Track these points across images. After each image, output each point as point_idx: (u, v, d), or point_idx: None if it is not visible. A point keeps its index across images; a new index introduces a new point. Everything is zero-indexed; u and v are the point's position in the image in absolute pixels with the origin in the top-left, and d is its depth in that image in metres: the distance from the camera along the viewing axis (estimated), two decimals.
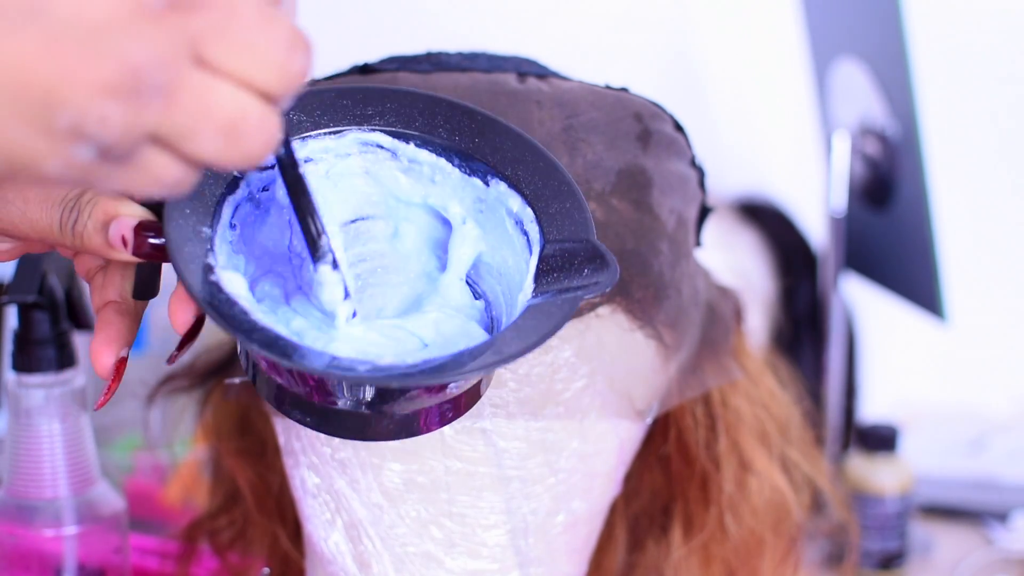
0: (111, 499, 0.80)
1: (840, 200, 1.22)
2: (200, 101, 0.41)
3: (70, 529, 0.77)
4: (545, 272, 0.53)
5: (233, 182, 0.54)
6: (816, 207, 1.38)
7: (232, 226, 0.54)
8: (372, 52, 0.70)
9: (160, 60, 0.39)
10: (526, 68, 0.67)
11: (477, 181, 0.55)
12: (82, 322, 0.80)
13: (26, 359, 0.77)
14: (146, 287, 0.55)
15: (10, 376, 0.78)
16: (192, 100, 0.41)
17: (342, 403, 0.52)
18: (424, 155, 0.56)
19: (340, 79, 0.66)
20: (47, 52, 0.38)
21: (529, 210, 0.54)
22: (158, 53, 0.39)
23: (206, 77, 0.41)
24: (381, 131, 0.56)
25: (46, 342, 0.77)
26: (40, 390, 0.77)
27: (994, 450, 1.42)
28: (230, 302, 0.49)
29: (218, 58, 0.41)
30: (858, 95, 1.24)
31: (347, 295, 0.51)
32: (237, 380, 0.70)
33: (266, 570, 0.79)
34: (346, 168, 0.56)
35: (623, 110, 0.66)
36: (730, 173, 1.54)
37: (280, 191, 0.55)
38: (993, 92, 1.61)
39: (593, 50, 1.63)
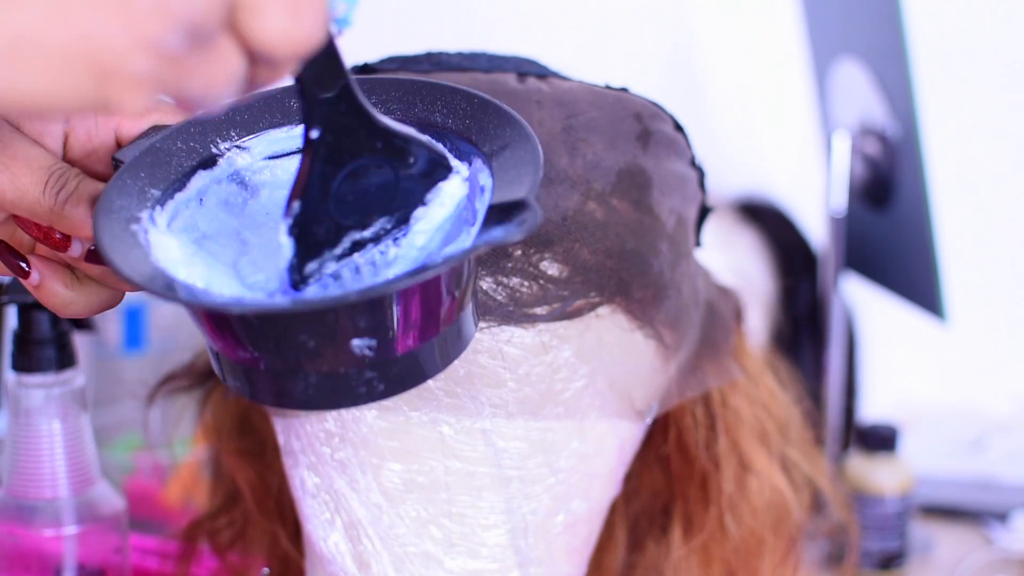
0: (111, 499, 0.80)
1: (840, 200, 1.22)
2: None
3: (70, 529, 0.77)
4: (482, 232, 0.52)
5: (211, 159, 0.55)
6: (816, 207, 1.38)
7: (200, 201, 0.55)
8: (372, 52, 0.70)
9: None
10: (526, 68, 0.67)
11: (464, 164, 0.56)
12: (82, 322, 0.80)
13: (26, 359, 0.77)
14: None
15: (10, 376, 0.78)
16: None
17: (243, 354, 0.51)
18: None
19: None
20: None
21: (491, 180, 0.54)
22: None
23: None
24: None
25: (46, 342, 0.77)
26: (40, 390, 0.77)
27: (994, 450, 1.42)
28: (135, 245, 0.50)
29: None
30: (858, 95, 1.24)
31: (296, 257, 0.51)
32: None
33: (266, 570, 0.79)
34: None
35: (623, 110, 0.66)
36: (730, 173, 1.54)
37: (278, 170, 0.56)
38: (993, 92, 1.61)
39: (593, 50, 1.63)
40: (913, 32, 1.14)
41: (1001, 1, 1.61)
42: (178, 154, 0.55)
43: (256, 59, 0.42)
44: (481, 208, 0.53)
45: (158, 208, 0.53)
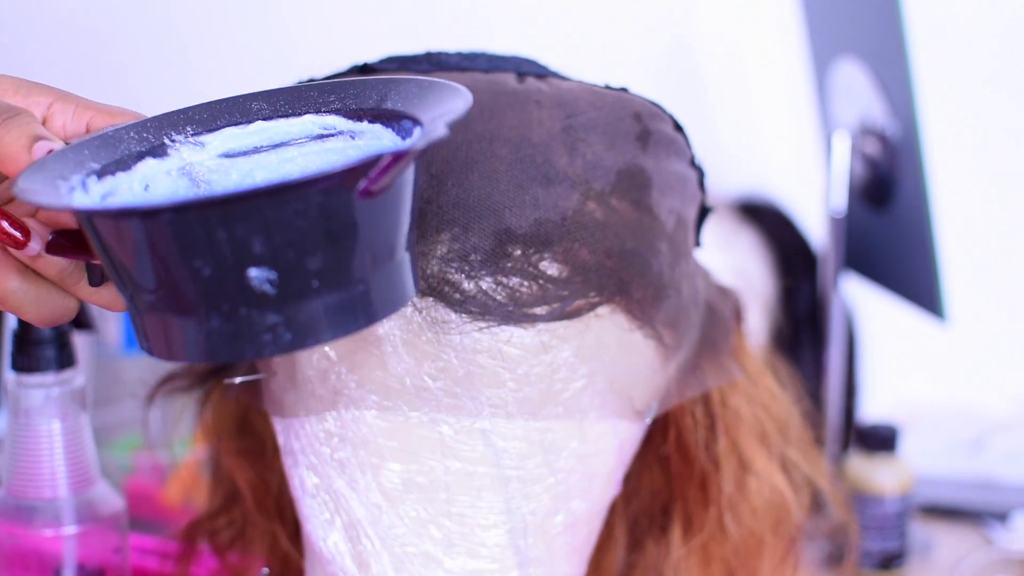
0: (111, 499, 0.80)
1: (840, 200, 1.22)
2: None
3: (70, 529, 0.77)
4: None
5: (161, 149, 0.55)
6: (816, 207, 1.38)
7: (146, 187, 0.54)
8: (372, 52, 0.70)
9: None
10: (525, 68, 0.67)
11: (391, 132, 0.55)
12: (82, 322, 0.80)
13: (26, 359, 0.77)
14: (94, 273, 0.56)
15: (10, 376, 0.78)
16: None
17: (147, 291, 0.49)
18: (374, 128, 0.56)
19: (340, 78, 0.66)
20: None
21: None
22: None
23: None
24: (335, 113, 0.56)
25: (46, 342, 0.77)
26: (40, 390, 0.77)
27: (994, 450, 1.42)
28: (53, 191, 0.50)
29: None
30: (858, 95, 1.24)
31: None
32: (237, 380, 0.70)
33: (265, 570, 0.79)
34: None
35: (623, 110, 0.66)
36: (730, 173, 1.54)
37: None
38: (993, 92, 1.61)
39: (593, 50, 1.63)
40: (913, 32, 1.14)
41: (1001, 1, 1.61)
42: (128, 141, 0.55)
43: None
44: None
45: (93, 178, 0.53)
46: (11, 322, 0.78)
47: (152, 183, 0.54)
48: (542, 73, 0.67)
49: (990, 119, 1.61)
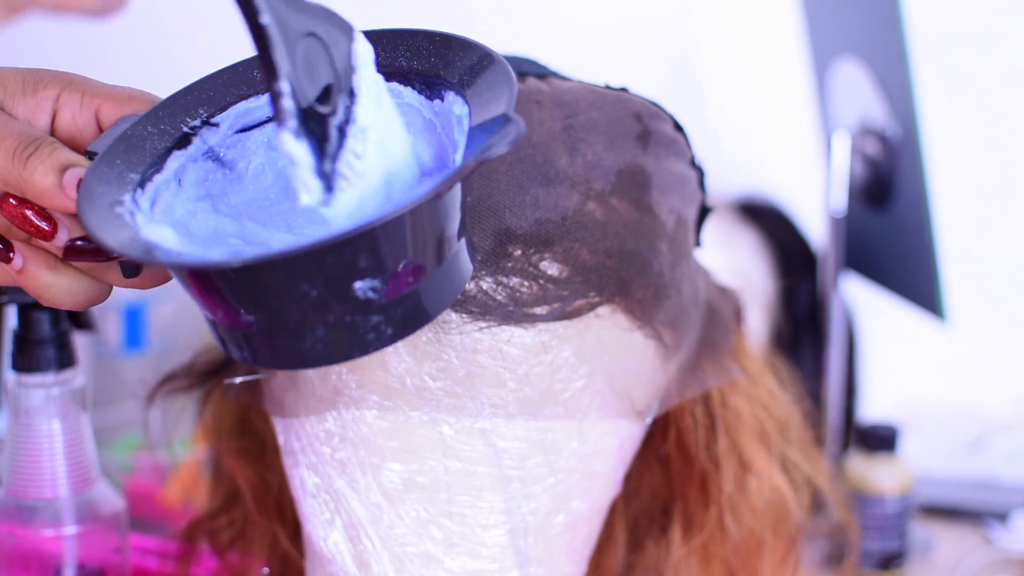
0: (111, 499, 0.80)
1: (840, 200, 1.22)
2: None
3: (70, 529, 0.77)
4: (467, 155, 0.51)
5: (184, 138, 0.55)
6: (816, 207, 1.38)
7: (179, 181, 0.55)
8: None
9: None
10: (526, 68, 0.67)
11: (437, 103, 0.55)
12: (82, 322, 0.80)
13: (26, 359, 0.77)
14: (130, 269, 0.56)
15: (10, 376, 0.78)
16: None
17: (244, 317, 0.50)
18: (391, 85, 0.56)
19: None
20: None
21: (467, 107, 0.53)
22: None
23: None
24: None
25: (46, 342, 0.77)
26: (40, 390, 0.77)
27: (994, 450, 1.42)
28: (123, 225, 0.50)
29: None
30: (858, 95, 1.24)
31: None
32: (237, 380, 0.70)
33: (266, 570, 0.79)
34: None
35: (623, 110, 0.66)
36: (730, 173, 1.54)
37: (250, 142, 0.56)
38: (993, 92, 1.61)
39: (593, 50, 1.63)
40: (913, 32, 1.14)
41: (1001, 1, 1.61)
42: (150, 138, 0.55)
43: None
44: (461, 138, 0.52)
45: (139, 191, 0.53)
46: (11, 322, 0.78)
47: (183, 176, 0.55)
48: (542, 73, 0.67)
49: (990, 119, 1.61)
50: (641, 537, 0.76)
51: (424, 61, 0.56)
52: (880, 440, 1.15)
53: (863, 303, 1.46)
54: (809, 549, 1.06)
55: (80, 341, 0.81)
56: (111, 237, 0.49)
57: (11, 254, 0.54)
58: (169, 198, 0.55)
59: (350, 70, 0.52)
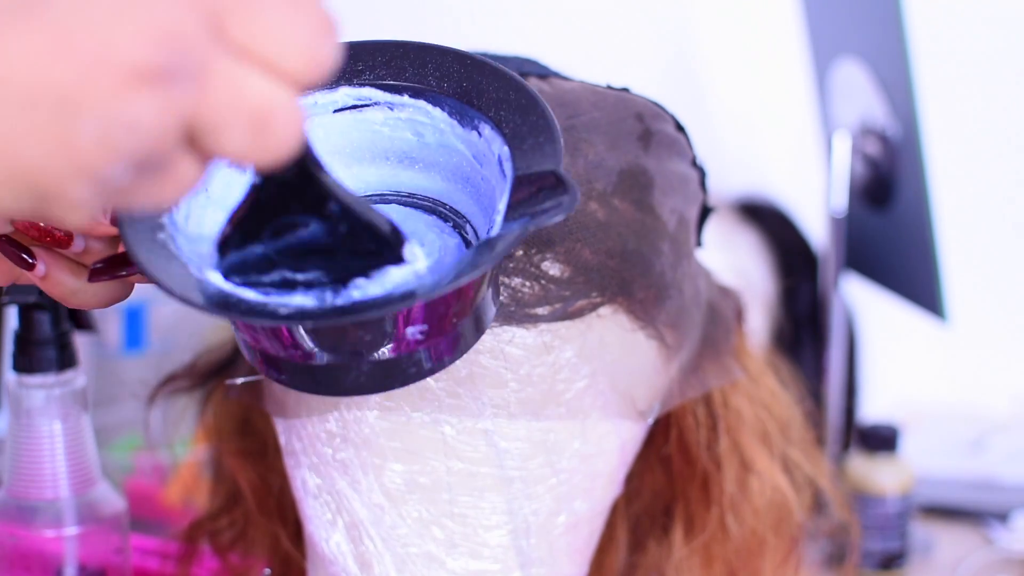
0: (112, 500, 0.79)
1: (840, 200, 1.22)
2: (231, 86, 0.35)
3: (71, 530, 0.77)
4: (514, 206, 0.50)
5: None
6: (816, 207, 1.38)
7: (206, 190, 0.53)
8: None
9: (189, 34, 0.34)
10: (527, 68, 0.67)
11: (473, 134, 0.54)
12: (82, 322, 0.80)
13: (27, 360, 0.77)
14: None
15: (11, 377, 0.78)
16: (223, 85, 0.35)
17: (294, 353, 0.51)
18: (419, 104, 0.55)
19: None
20: (57, 44, 0.32)
21: (507, 148, 0.52)
22: (185, 26, 0.34)
23: (232, 60, 0.35)
24: (371, 85, 0.55)
25: (47, 343, 0.77)
26: (41, 391, 0.77)
27: (994, 450, 1.42)
28: (171, 257, 0.48)
29: (244, 37, 0.36)
30: (858, 95, 1.24)
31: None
32: (238, 380, 0.70)
33: (267, 571, 0.79)
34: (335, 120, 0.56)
35: (624, 110, 0.66)
36: (730, 173, 1.54)
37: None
38: (993, 92, 1.61)
39: (594, 50, 1.63)
40: (913, 32, 1.14)
41: (1001, 1, 1.61)
42: None
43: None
44: (502, 184, 0.52)
45: (173, 208, 0.52)
46: (12, 322, 0.78)
47: (212, 180, 0.53)
48: (544, 73, 0.67)
49: (990, 119, 1.61)
50: (643, 537, 0.76)
51: (455, 84, 0.54)
52: (881, 440, 1.15)
53: (863, 303, 1.46)
54: (810, 549, 1.06)
55: (80, 341, 0.81)
56: (169, 278, 0.47)
57: (33, 260, 0.54)
58: (199, 209, 0.52)
59: (357, 272, 0.50)
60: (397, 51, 0.55)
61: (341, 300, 0.48)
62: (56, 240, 0.53)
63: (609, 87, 0.67)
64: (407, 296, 0.48)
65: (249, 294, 0.48)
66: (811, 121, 1.43)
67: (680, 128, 0.69)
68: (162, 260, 0.49)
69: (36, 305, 0.76)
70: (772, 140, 1.68)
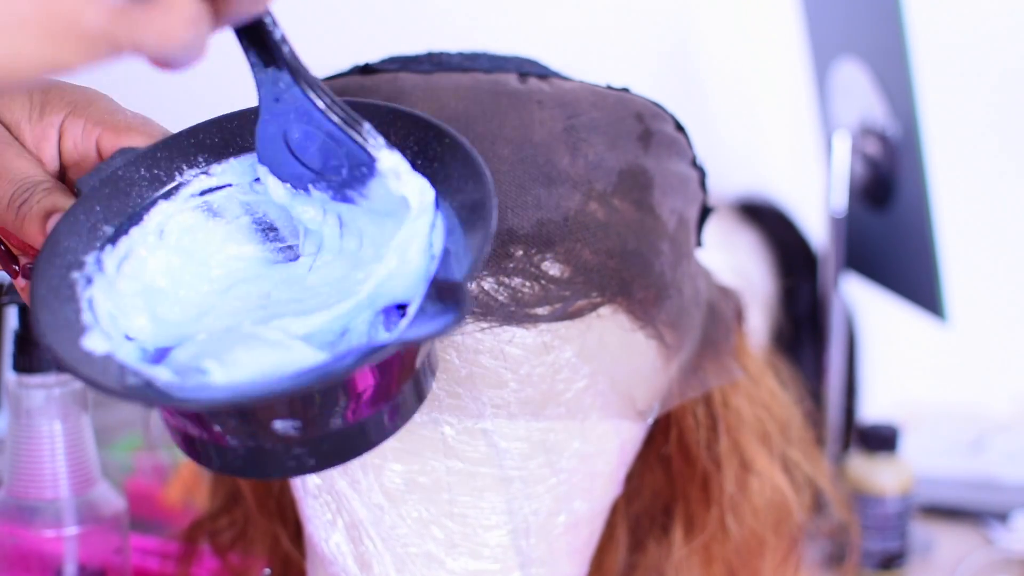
0: (112, 499, 0.80)
1: (840, 200, 1.22)
2: None
3: (71, 530, 0.77)
4: (425, 302, 0.49)
5: (173, 188, 0.54)
6: (816, 207, 1.38)
7: (160, 234, 0.54)
8: (372, 52, 0.70)
9: None
10: (527, 68, 0.67)
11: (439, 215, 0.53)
12: None
13: (27, 360, 0.77)
14: None
15: (11, 377, 0.78)
16: None
17: (176, 423, 0.52)
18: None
19: (341, 79, 0.66)
20: None
21: (443, 238, 0.52)
22: None
23: None
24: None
25: None
26: (41, 391, 0.77)
27: (994, 450, 1.43)
28: (70, 299, 0.49)
29: None
30: (858, 95, 1.24)
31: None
32: None
33: (267, 571, 0.79)
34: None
35: (624, 110, 0.66)
36: (730, 173, 1.54)
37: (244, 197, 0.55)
38: (993, 92, 1.61)
39: (594, 50, 1.63)
40: (913, 32, 1.14)
41: (1001, 1, 1.61)
42: (139, 184, 0.54)
43: None
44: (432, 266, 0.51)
45: (108, 248, 0.52)
46: (12, 322, 0.78)
47: (166, 227, 0.54)
48: (544, 73, 0.67)
49: (990, 119, 1.61)
50: (642, 537, 0.77)
51: (428, 163, 0.53)
52: (880, 440, 1.15)
53: (863, 303, 1.46)
54: (810, 549, 1.06)
55: None
56: (52, 318, 0.48)
57: (18, 268, 0.55)
58: (143, 254, 0.53)
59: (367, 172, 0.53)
60: (388, 115, 0.55)
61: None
62: (34, 253, 0.54)
63: (609, 87, 0.67)
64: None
65: (162, 373, 0.48)
66: (811, 121, 1.43)
67: (680, 128, 0.69)
68: (57, 301, 0.49)
69: None
70: (772, 140, 1.68)
